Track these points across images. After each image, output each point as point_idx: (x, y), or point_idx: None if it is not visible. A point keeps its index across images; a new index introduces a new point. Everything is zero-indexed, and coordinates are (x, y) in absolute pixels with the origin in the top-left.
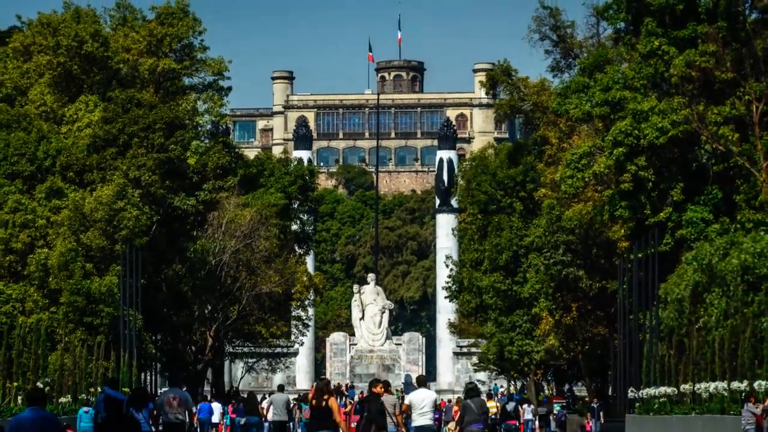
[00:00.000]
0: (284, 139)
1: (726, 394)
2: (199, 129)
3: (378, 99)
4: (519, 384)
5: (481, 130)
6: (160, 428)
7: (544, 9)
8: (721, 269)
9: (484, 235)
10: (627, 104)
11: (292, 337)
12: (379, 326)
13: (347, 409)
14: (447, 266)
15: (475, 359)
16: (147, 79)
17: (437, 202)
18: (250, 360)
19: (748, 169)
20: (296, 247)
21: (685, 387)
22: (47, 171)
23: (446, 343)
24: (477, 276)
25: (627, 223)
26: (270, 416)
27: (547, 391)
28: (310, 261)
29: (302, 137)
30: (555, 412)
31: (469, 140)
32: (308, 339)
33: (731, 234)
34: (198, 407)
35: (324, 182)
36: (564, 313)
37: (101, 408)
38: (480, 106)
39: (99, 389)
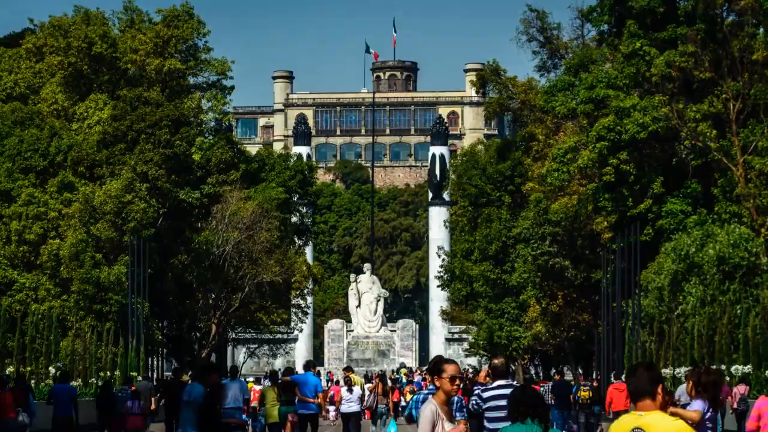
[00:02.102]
0: (284, 136)
1: None
2: (204, 126)
3: (373, 97)
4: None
5: (472, 127)
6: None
7: (532, 12)
8: (698, 259)
9: (474, 226)
10: (610, 102)
11: (292, 324)
12: (375, 314)
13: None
14: (439, 256)
15: (466, 345)
16: (154, 79)
17: (430, 195)
18: (251, 346)
19: (725, 164)
20: (296, 239)
21: (665, 371)
22: (59, 166)
23: (438, 329)
24: (468, 265)
25: (610, 215)
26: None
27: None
28: (308, 251)
29: (301, 134)
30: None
31: (460, 137)
32: (307, 326)
33: (708, 225)
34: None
35: (322, 177)
36: (550, 301)
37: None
38: (470, 104)
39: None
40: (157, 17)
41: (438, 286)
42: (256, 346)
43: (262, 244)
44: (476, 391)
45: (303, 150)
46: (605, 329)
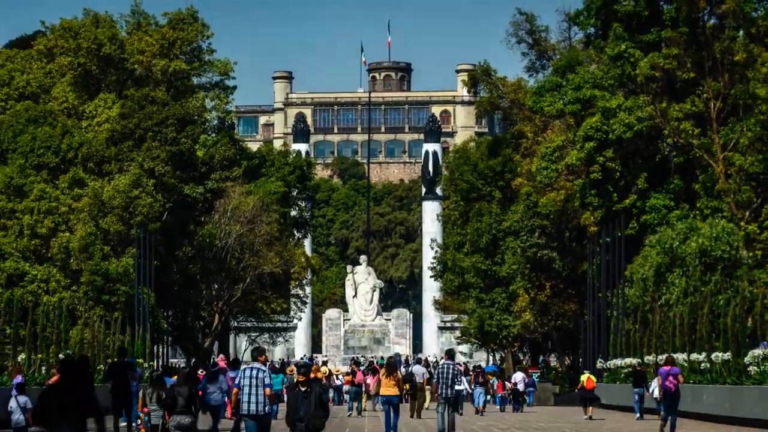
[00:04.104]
0: (284, 134)
1: (686, 365)
2: (207, 124)
3: (369, 97)
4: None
5: (464, 125)
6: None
7: (521, 15)
8: (681, 252)
9: (466, 220)
10: (596, 102)
11: (291, 313)
12: (371, 303)
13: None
14: (432, 248)
15: (457, 333)
16: (160, 79)
17: (423, 190)
18: (252, 334)
19: (706, 160)
20: (295, 232)
21: (649, 358)
22: (70, 162)
23: (431, 318)
24: (459, 257)
25: (596, 210)
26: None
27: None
28: (307, 244)
29: (300, 132)
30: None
31: (452, 134)
32: (306, 315)
33: (690, 219)
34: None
35: (320, 173)
36: (538, 291)
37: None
38: (462, 103)
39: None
40: (163, 20)
41: (431, 277)
42: (257, 334)
43: (263, 236)
44: None
45: (302, 147)
46: (591, 318)
